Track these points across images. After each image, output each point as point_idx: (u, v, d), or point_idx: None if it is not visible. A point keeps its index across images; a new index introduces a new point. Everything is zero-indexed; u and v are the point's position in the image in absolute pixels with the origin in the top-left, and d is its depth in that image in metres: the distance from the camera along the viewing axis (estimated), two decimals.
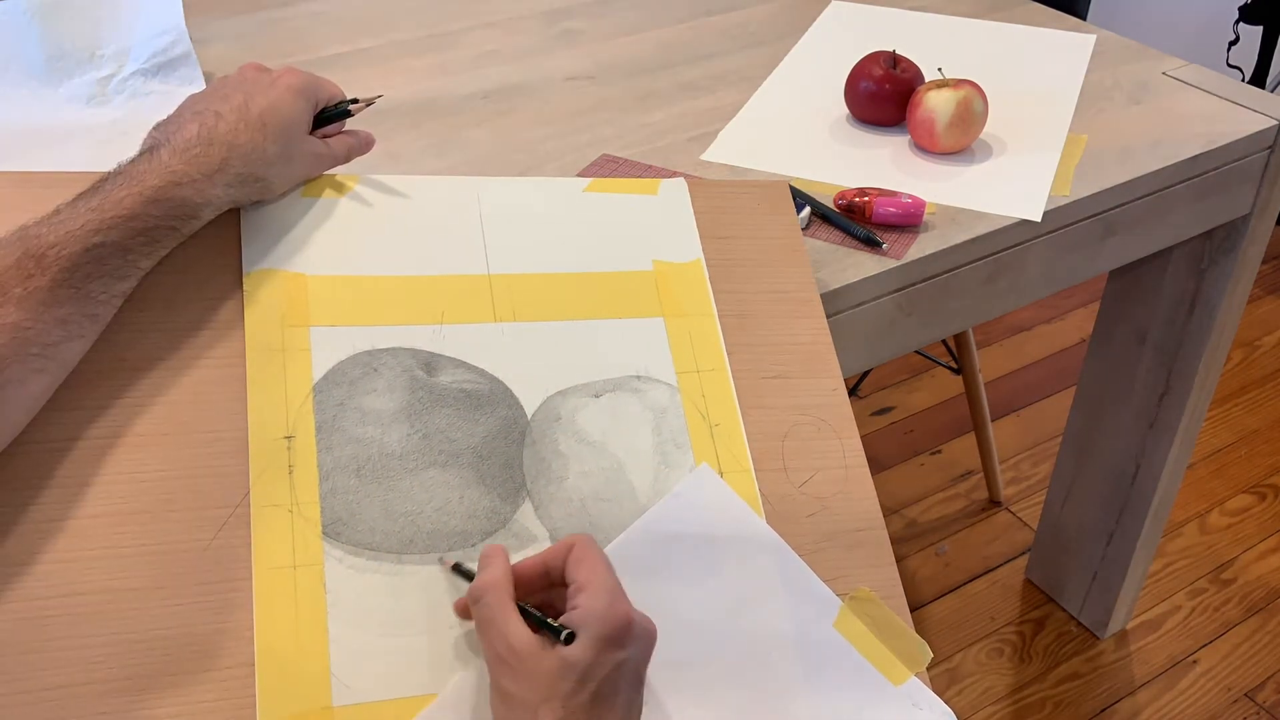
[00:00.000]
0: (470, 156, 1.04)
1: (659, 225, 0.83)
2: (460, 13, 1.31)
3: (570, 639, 0.58)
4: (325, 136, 0.79)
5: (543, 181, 0.87)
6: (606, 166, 1.03)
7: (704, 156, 1.05)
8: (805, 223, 0.95)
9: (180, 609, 0.62)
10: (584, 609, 0.59)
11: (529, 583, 0.63)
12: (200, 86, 1.11)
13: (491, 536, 0.69)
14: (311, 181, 0.79)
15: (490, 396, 0.73)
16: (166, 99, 1.09)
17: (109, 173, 0.67)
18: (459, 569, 0.67)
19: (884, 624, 0.73)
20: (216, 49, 1.20)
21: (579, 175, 1.02)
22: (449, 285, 0.77)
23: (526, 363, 0.75)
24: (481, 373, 0.74)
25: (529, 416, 0.73)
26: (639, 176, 1.01)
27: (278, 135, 0.72)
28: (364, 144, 0.83)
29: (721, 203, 0.86)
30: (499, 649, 0.59)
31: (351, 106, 0.80)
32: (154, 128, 0.72)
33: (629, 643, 0.59)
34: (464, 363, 0.74)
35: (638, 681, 0.60)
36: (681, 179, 0.87)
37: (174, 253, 0.70)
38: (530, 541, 0.69)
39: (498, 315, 0.76)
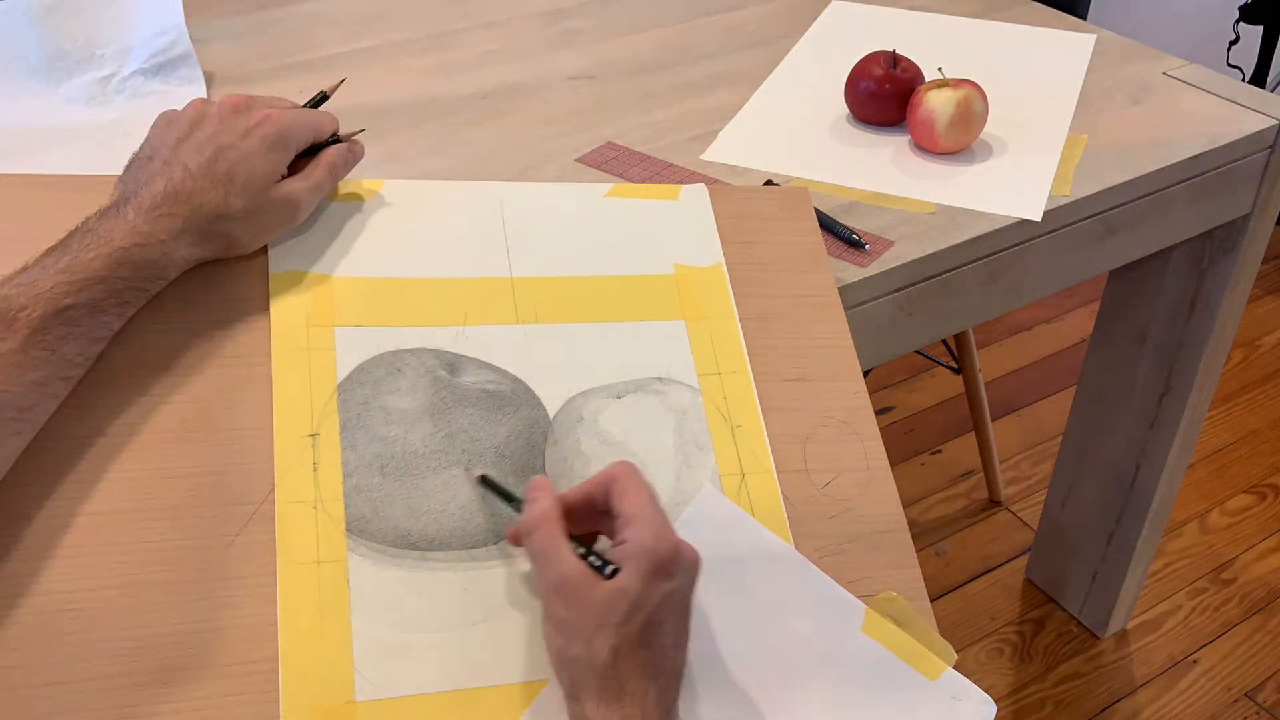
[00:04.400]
0: (470, 156, 1.04)
1: (680, 230, 0.84)
2: (460, 13, 1.31)
3: (614, 573, 0.60)
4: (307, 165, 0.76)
5: (565, 187, 0.87)
6: (609, 154, 1.03)
7: (704, 156, 1.05)
8: None
9: (205, 604, 0.63)
10: (633, 542, 0.61)
11: (575, 514, 0.65)
12: (200, 87, 1.11)
13: None
14: (338, 185, 0.79)
15: (513, 397, 0.73)
16: (166, 99, 1.09)
17: (77, 228, 0.66)
18: (487, 481, 0.68)
19: (913, 624, 0.73)
20: (216, 49, 1.20)
21: (578, 161, 1.03)
22: (472, 288, 0.77)
23: (549, 364, 0.75)
24: (504, 373, 0.74)
25: (551, 417, 0.73)
26: (641, 166, 1.01)
27: (243, 191, 0.70)
28: (347, 162, 0.78)
29: (742, 208, 0.86)
30: (553, 579, 0.61)
31: (338, 134, 0.78)
32: (125, 170, 0.71)
33: (677, 572, 0.61)
34: (487, 364, 0.74)
35: (685, 608, 0.63)
36: (702, 185, 0.87)
37: None
38: None
39: (520, 317, 0.77)
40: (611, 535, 0.64)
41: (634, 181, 1.00)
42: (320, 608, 0.64)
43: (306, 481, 0.67)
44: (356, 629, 0.64)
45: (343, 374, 0.72)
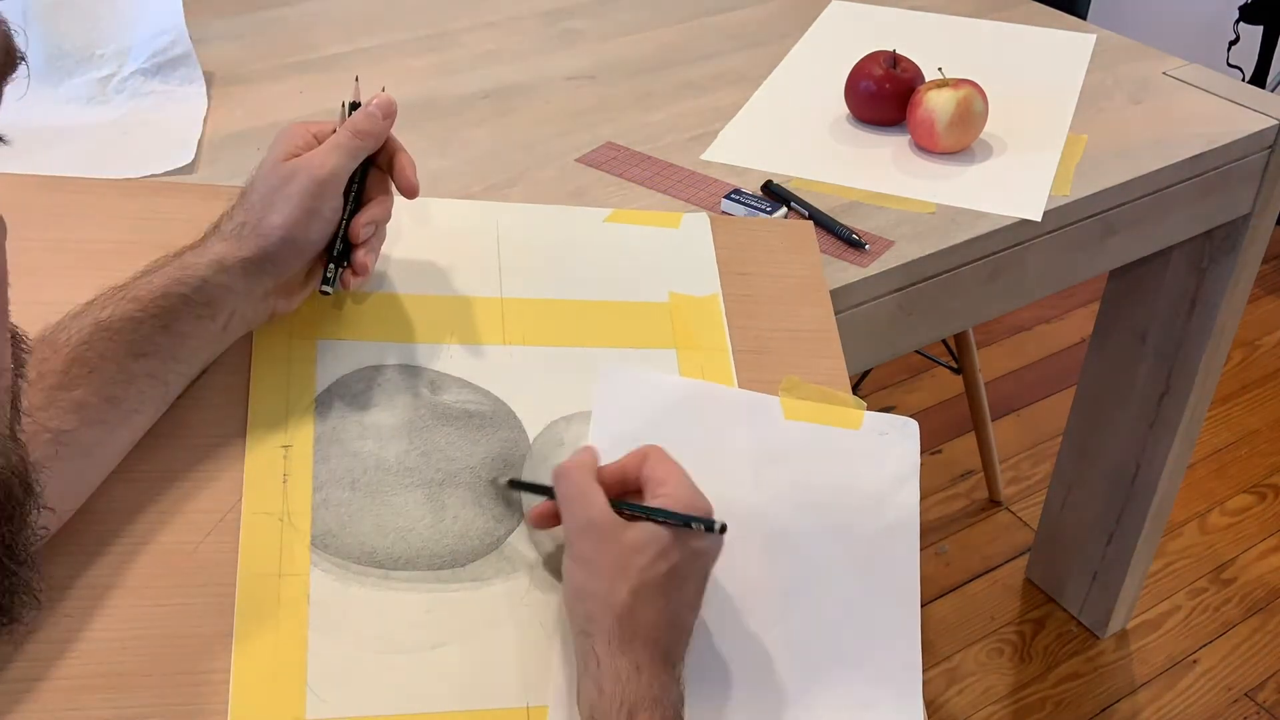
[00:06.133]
0: (470, 156, 1.04)
1: (678, 258, 0.83)
2: (460, 13, 1.31)
3: (723, 529, 0.62)
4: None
5: (564, 210, 0.87)
6: (609, 154, 1.03)
7: (704, 156, 1.05)
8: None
9: (161, 610, 0.62)
10: (669, 498, 0.63)
11: (608, 486, 0.65)
12: (200, 87, 1.11)
13: (483, 558, 0.68)
14: None
15: (493, 418, 0.73)
16: (166, 99, 1.09)
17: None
18: (518, 484, 0.70)
19: (821, 395, 0.77)
20: (216, 49, 1.20)
21: (578, 161, 1.03)
22: (461, 306, 0.77)
23: (532, 386, 0.74)
24: (486, 394, 0.73)
25: (531, 440, 0.73)
26: (641, 166, 1.01)
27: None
28: (369, 117, 0.71)
29: (743, 239, 0.86)
30: (581, 521, 0.63)
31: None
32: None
33: (706, 536, 0.63)
34: (469, 383, 0.74)
35: (705, 575, 0.64)
36: (705, 214, 0.86)
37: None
38: (522, 564, 0.68)
39: (507, 338, 0.76)
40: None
41: (634, 181, 1.00)
42: (277, 622, 0.63)
43: (275, 493, 0.66)
44: (313, 645, 0.63)
45: (322, 386, 0.71)
